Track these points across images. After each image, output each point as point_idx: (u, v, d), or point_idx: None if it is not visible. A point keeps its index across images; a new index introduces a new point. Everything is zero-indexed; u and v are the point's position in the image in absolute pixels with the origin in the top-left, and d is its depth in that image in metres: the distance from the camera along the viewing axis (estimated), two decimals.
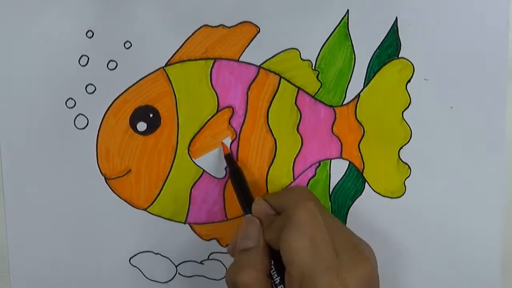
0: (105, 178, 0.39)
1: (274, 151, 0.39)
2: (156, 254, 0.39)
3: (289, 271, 0.30)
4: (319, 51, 0.38)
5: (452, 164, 0.39)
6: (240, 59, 0.38)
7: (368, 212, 0.39)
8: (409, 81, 0.38)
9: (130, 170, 0.39)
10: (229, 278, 0.32)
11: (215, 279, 0.40)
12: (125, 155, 0.39)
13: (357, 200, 0.39)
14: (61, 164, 0.38)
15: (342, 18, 0.38)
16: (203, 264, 0.39)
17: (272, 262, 0.32)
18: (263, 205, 0.34)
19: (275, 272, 0.31)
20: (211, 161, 0.39)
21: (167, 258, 0.39)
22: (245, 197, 0.36)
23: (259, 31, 0.38)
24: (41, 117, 0.38)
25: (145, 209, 0.39)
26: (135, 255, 0.39)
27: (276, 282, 0.31)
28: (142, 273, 0.39)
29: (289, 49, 0.38)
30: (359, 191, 0.39)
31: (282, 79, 0.38)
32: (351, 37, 0.38)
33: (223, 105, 0.38)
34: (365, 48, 0.38)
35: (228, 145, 0.38)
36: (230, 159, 0.38)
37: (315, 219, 0.31)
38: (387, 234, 0.39)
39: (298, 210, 0.31)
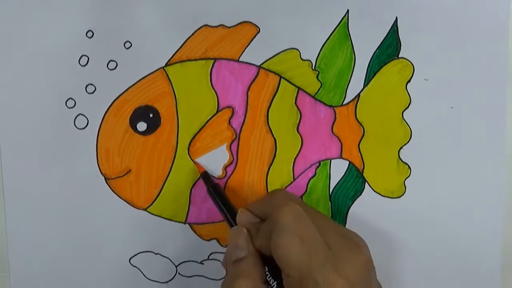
0: (105, 178, 0.39)
1: (274, 151, 0.39)
2: (156, 254, 0.39)
3: (286, 273, 0.30)
4: (319, 51, 0.38)
5: (452, 164, 0.39)
6: (240, 59, 0.38)
7: (368, 212, 0.39)
8: (409, 81, 0.38)
9: (130, 170, 0.39)
10: None
11: (215, 279, 0.40)
12: (125, 155, 0.39)
13: (357, 200, 0.39)
14: (61, 164, 0.38)
15: (342, 18, 0.38)
16: (203, 264, 0.39)
17: (266, 269, 0.32)
18: (247, 215, 0.34)
19: (271, 278, 0.31)
20: (211, 161, 0.39)
21: (167, 258, 0.39)
22: (228, 211, 0.36)
23: (259, 31, 0.38)
24: (41, 117, 0.38)
25: (145, 209, 0.39)
26: (135, 255, 0.39)
27: (274, 287, 0.31)
28: (142, 273, 0.39)
29: (289, 49, 0.38)
30: (359, 191, 0.39)
31: (282, 79, 0.38)
32: (351, 37, 0.38)
33: (223, 105, 0.38)
34: (365, 48, 0.38)
35: (225, 148, 0.39)
36: (207, 176, 0.38)
37: (301, 218, 0.31)
38: (387, 234, 0.39)
39: (282, 212, 0.31)
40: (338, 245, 0.31)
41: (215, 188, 0.37)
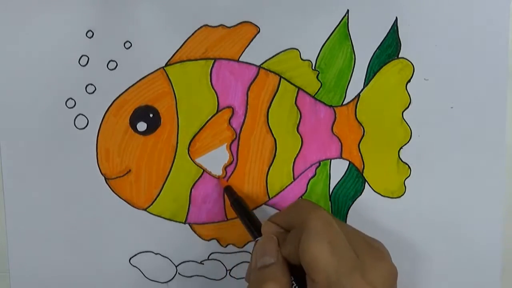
0: (105, 178, 0.39)
1: (274, 151, 0.39)
2: (156, 254, 0.39)
3: (313, 279, 0.30)
4: (319, 51, 0.38)
5: (452, 164, 0.39)
6: (240, 59, 0.38)
7: (368, 212, 0.39)
8: (409, 81, 0.38)
9: (130, 170, 0.39)
10: None
11: (215, 279, 0.40)
12: (125, 155, 0.39)
13: (357, 200, 0.39)
14: (61, 164, 0.38)
15: (342, 18, 0.38)
16: (203, 264, 0.39)
17: (292, 278, 0.32)
18: (272, 226, 0.34)
19: (296, 287, 0.31)
20: (211, 161, 0.39)
21: (167, 258, 0.39)
22: (252, 223, 0.36)
23: (259, 31, 0.38)
24: (41, 117, 0.38)
25: (145, 209, 0.39)
26: (135, 255, 0.39)
27: None
28: (142, 273, 0.39)
29: (289, 49, 0.38)
30: (359, 191, 0.39)
31: (282, 79, 0.38)
32: (351, 37, 0.38)
33: (223, 105, 0.38)
34: (365, 48, 0.38)
35: (225, 148, 0.39)
36: (230, 190, 0.38)
37: (330, 224, 0.31)
38: (387, 234, 0.39)
39: (312, 219, 0.31)
40: (365, 253, 0.31)
41: (238, 201, 0.37)
